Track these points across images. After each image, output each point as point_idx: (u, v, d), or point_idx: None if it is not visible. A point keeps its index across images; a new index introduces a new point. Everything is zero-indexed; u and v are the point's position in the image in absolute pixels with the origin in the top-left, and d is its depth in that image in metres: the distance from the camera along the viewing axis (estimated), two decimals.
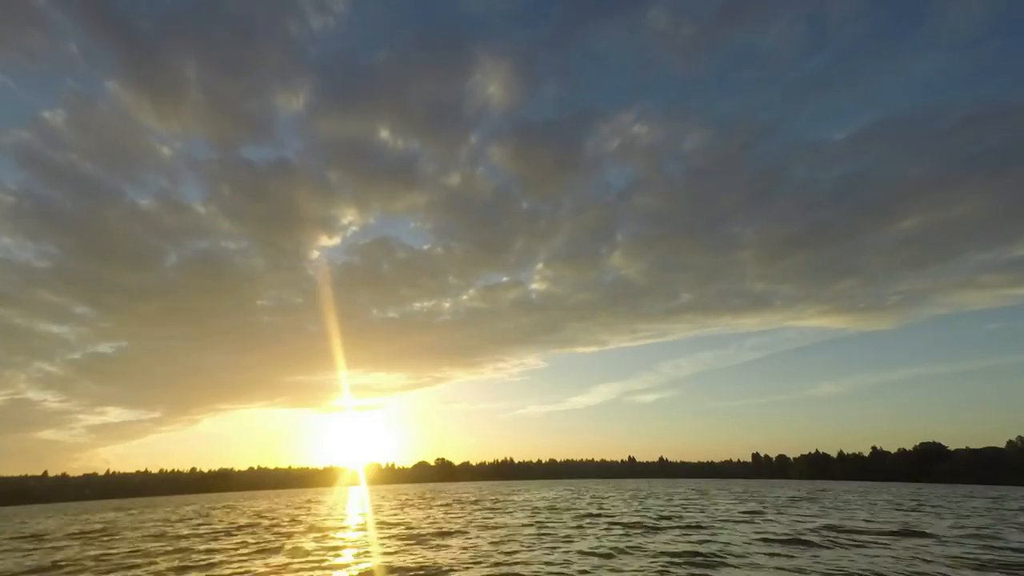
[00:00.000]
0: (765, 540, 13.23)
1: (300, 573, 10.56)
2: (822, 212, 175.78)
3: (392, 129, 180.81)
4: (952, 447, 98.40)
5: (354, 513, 27.51)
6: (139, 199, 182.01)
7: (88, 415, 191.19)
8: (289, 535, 17.59)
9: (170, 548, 15.24)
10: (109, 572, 11.53)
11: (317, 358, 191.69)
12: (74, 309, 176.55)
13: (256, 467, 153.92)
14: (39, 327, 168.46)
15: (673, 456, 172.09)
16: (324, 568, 11.01)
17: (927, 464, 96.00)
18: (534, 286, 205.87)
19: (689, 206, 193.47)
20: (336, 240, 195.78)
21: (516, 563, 10.79)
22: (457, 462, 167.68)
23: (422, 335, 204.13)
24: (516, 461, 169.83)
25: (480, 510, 26.31)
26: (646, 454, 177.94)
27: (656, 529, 16.21)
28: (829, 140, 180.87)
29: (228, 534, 18.76)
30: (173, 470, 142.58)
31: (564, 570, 10.05)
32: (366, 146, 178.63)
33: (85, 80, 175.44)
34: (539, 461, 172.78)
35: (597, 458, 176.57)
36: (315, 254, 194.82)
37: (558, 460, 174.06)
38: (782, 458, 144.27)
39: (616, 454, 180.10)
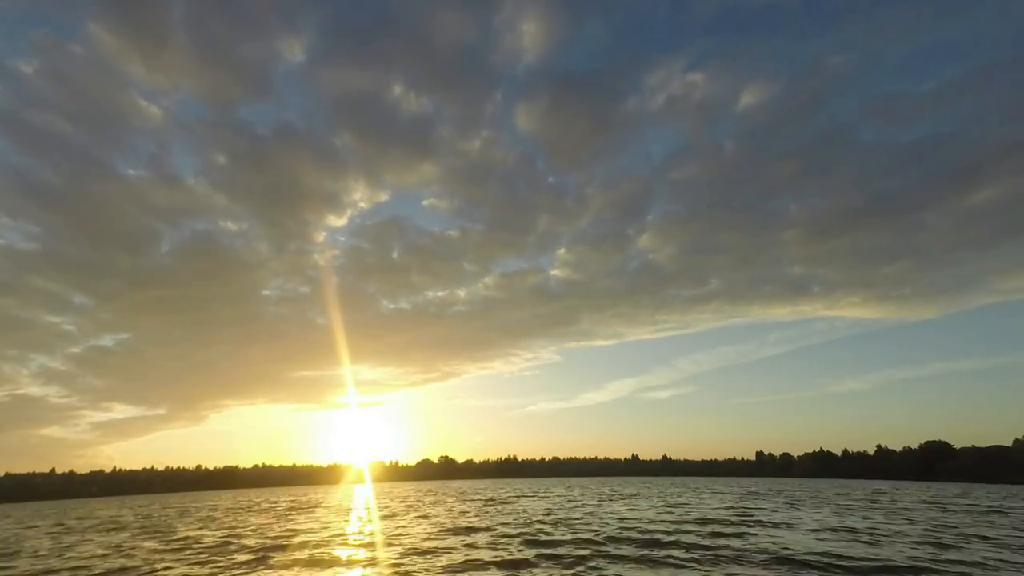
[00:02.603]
0: None
1: None
2: (888, 182, 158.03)
3: (406, 83, 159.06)
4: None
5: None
6: (128, 169, 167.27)
7: (92, 411, 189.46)
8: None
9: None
10: None
11: (324, 352, 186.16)
12: (71, 298, 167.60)
13: (261, 464, 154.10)
14: (37, 317, 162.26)
15: (677, 454, 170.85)
16: None
17: (932, 462, 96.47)
18: (554, 272, 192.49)
19: (734, 178, 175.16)
20: (343, 220, 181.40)
21: None
22: (462, 460, 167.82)
23: (433, 327, 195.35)
24: (520, 459, 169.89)
25: None
26: (652, 452, 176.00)
27: None
28: (913, 92, 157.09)
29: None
30: (179, 467, 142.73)
31: None
32: (377, 105, 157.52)
33: (56, 22, 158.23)
34: (542, 459, 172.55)
35: (604, 456, 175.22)
36: (321, 236, 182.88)
37: (561, 458, 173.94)
38: (786, 456, 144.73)
39: (624, 452, 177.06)
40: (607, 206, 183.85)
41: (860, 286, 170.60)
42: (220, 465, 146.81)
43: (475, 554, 12.31)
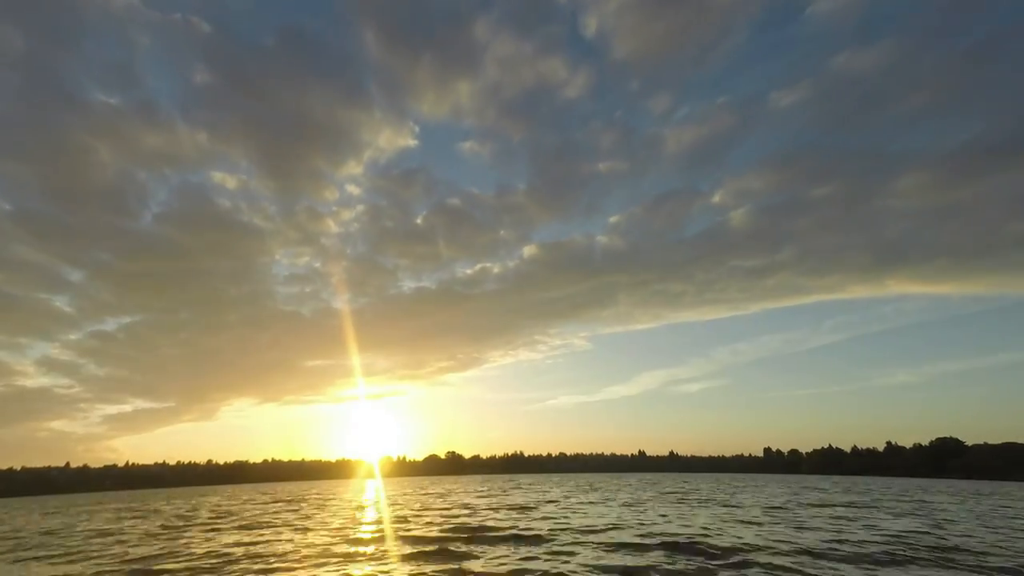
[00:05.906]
0: None
1: None
2: None
3: None
4: None
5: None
6: (93, 90, 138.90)
7: (101, 404, 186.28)
8: None
9: None
10: None
11: (337, 339, 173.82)
12: (59, 271, 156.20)
13: (271, 459, 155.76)
14: (28, 295, 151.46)
15: (691, 450, 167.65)
16: None
17: (943, 459, 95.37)
18: (601, 239, 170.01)
19: (862, 99, 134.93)
20: (360, 168, 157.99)
21: None
22: (469, 455, 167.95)
23: (457, 309, 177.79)
24: (527, 455, 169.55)
25: None
26: (663, 447, 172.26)
27: None
28: None
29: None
30: (190, 462, 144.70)
31: None
32: None
33: None
34: (548, 455, 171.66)
35: (612, 452, 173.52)
36: (335, 194, 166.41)
37: (568, 454, 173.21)
38: (794, 453, 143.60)
39: (635, 448, 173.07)
40: (682, 152, 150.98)
41: (974, 251, 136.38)
42: (230, 460, 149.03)
43: None
